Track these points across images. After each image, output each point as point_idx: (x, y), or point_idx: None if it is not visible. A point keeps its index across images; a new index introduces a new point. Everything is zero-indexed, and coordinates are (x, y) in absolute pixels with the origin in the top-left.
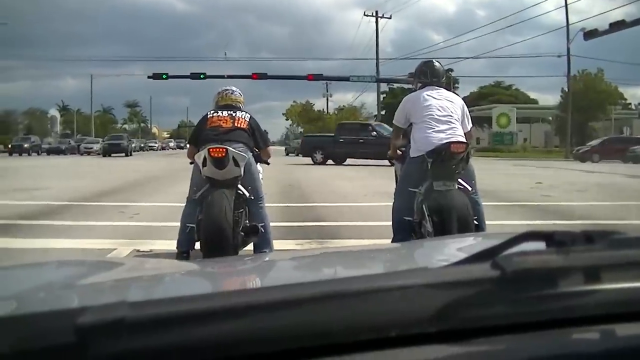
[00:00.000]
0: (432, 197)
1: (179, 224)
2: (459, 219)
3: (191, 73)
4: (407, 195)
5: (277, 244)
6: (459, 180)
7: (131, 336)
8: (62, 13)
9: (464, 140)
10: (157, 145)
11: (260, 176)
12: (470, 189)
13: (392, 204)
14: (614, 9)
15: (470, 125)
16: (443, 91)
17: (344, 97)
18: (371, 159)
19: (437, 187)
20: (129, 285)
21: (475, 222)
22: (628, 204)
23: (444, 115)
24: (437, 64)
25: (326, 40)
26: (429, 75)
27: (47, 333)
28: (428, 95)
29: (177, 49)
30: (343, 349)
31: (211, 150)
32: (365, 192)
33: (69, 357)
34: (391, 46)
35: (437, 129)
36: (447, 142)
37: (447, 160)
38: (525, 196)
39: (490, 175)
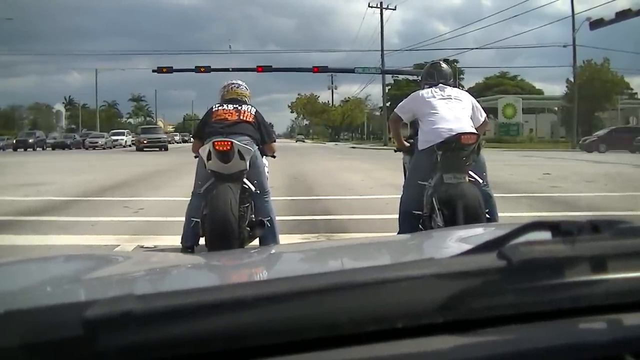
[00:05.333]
0: (442, 189)
1: (183, 218)
2: (469, 212)
3: (196, 66)
4: (416, 188)
5: (283, 239)
6: (470, 172)
7: (138, 328)
8: (67, 7)
9: (474, 131)
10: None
11: (266, 170)
12: (481, 181)
13: (400, 196)
14: None
15: (484, 115)
16: (450, 89)
17: (349, 89)
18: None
19: (447, 179)
20: (135, 278)
21: (487, 215)
22: (636, 194)
23: (453, 107)
24: (444, 65)
25: (331, 32)
26: (436, 77)
27: (55, 326)
28: (436, 91)
29: (182, 42)
30: (350, 341)
31: (216, 143)
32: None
33: (77, 349)
34: (397, 37)
35: (446, 120)
36: (457, 133)
37: (457, 151)
38: (533, 187)
39: (497, 166)
